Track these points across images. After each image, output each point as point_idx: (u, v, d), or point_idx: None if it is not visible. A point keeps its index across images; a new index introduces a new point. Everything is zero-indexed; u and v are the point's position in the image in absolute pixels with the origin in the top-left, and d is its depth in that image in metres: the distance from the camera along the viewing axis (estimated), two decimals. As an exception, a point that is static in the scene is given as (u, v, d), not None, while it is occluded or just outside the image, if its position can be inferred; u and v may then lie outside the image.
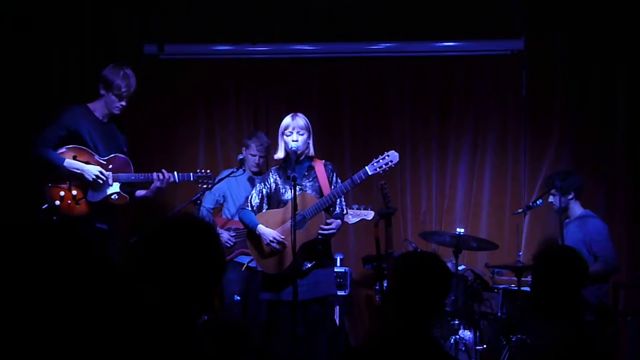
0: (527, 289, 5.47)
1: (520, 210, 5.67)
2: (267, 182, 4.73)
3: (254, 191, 4.77)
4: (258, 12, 6.52)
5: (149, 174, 4.96)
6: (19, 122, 6.03)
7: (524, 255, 5.66)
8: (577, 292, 2.92)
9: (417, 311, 2.55)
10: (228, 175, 5.58)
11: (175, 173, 5.01)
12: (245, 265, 5.52)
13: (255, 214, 4.66)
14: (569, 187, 5.49)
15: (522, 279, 5.23)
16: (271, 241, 4.53)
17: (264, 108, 6.69)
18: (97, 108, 4.94)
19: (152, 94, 6.59)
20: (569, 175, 5.51)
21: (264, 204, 4.70)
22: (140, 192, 5.09)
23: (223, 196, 5.73)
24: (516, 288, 5.22)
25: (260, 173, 5.63)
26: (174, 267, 1.87)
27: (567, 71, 6.39)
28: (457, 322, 5.36)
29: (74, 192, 4.82)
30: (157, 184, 4.96)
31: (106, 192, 4.87)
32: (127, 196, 4.96)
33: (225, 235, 5.53)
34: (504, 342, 5.11)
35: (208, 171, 5.15)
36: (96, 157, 4.89)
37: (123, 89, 4.84)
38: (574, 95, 6.37)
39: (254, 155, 5.64)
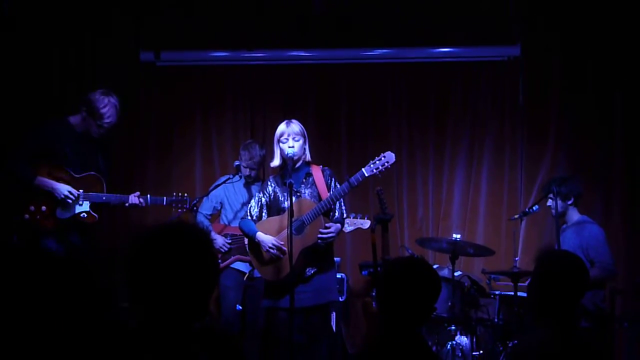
0: (524, 294, 5.46)
1: (516, 216, 5.66)
2: (266, 191, 4.73)
3: (253, 201, 4.77)
4: (254, 18, 6.52)
5: (122, 195, 4.97)
6: (12, 128, 6.00)
7: (521, 261, 5.66)
8: (576, 299, 2.87)
9: (405, 317, 2.56)
10: (225, 182, 5.59)
11: (148, 196, 5.05)
12: (247, 275, 5.52)
13: (255, 224, 4.66)
14: (570, 193, 5.45)
15: (519, 284, 5.22)
16: (270, 248, 4.52)
17: (261, 114, 6.68)
18: (78, 123, 4.95)
19: (149, 101, 6.61)
20: (569, 180, 5.48)
21: (264, 213, 4.70)
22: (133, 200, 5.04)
23: (220, 202, 5.73)
24: (513, 294, 5.21)
25: (255, 180, 5.63)
26: (164, 274, 1.86)
27: (563, 77, 6.40)
28: (453, 328, 5.35)
29: (43, 208, 4.87)
30: (134, 201, 4.96)
31: (75, 211, 4.92)
32: (97, 215, 4.97)
33: (220, 241, 5.52)
34: (501, 348, 5.11)
35: (185, 195, 5.18)
36: (71, 173, 4.91)
37: (105, 120, 4.85)
38: (570, 101, 6.38)
39: (245, 167, 5.62)
